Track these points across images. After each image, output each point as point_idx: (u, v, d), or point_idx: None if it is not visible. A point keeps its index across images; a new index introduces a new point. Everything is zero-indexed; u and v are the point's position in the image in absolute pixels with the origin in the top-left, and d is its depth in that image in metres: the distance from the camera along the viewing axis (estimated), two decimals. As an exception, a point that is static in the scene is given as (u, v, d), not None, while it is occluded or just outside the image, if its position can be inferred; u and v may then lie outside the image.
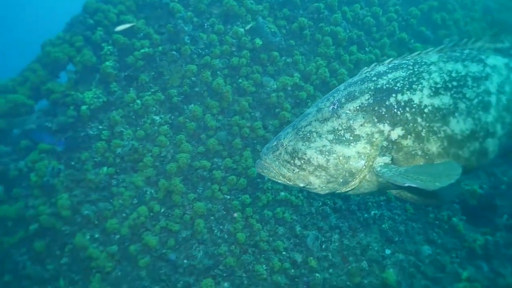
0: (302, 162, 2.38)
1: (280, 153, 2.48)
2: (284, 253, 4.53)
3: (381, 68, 2.42)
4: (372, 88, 2.32)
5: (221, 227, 4.74)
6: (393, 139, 2.24)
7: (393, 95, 2.25)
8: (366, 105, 2.29)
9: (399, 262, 4.64)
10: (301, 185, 2.44)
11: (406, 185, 2.05)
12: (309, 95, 5.40)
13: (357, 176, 2.32)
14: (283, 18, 5.77)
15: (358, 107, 2.31)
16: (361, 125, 2.27)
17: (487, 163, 2.34)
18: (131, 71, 5.20)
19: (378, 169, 2.24)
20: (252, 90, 5.30)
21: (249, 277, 4.38)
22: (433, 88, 2.22)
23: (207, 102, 5.18)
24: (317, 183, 2.39)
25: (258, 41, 5.45)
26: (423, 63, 2.33)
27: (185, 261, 4.51)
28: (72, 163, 4.85)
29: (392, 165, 2.24)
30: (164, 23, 5.47)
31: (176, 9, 5.39)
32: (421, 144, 2.22)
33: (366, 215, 4.99)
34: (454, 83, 2.23)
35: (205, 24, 5.52)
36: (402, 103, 2.22)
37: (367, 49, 6.08)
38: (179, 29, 5.32)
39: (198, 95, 5.25)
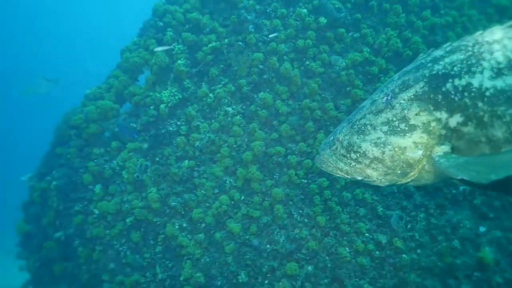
0: (358, 155, 2.38)
1: (337, 148, 2.49)
2: (367, 234, 4.41)
3: (437, 52, 2.26)
4: (427, 75, 2.19)
5: (300, 211, 4.76)
6: (452, 127, 2.11)
7: (450, 80, 2.10)
8: (420, 93, 2.19)
9: (496, 239, 4.25)
10: (359, 178, 2.44)
11: (459, 177, 1.98)
12: (381, 69, 5.13)
13: (415, 167, 2.25)
14: (347, -9, 5.53)
15: (412, 96, 2.21)
16: (416, 114, 2.19)
17: None
18: (202, 66, 5.39)
19: (436, 159, 2.15)
20: (320, 71, 5.19)
21: (333, 260, 4.35)
22: (495, 69, 2.01)
23: (276, 88, 5.19)
24: (375, 175, 2.38)
25: (323, 20, 5.30)
26: (484, 43, 2.11)
27: (268, 246, 4.62)
28: (157, 159, 5.20)
29: (452, 155, 2.12)
30: (228, 15, 5.55)
31: (238, -1, 5.46)
32: (483, 131, 2.06)
33: (454, 191, 4.64)
34: None
35: (268, 10, 5.50)
36: (460, 88, 2.07)
37: (442, 11, 5.58)
38: (242, 19, 5.37)
39: (267, 82, 5.28)
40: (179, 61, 5.32)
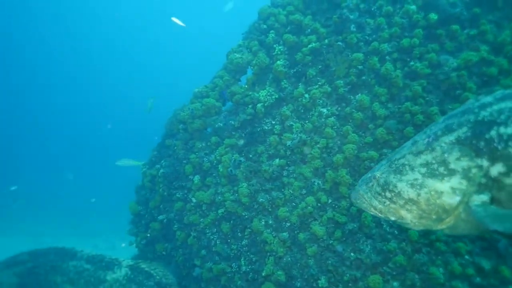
0: (393, 194, 2.35)
1: (373, 185, 2.48)
2: (466, 257, 3.86)
3: (487, 99, 2.17)
4: (472, 120, 2.12)
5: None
6: (493, 176, 2.04)
7: (495, 127, 2.04)
8: (463, 138, 2.13)
9: None
10: (393, 218, 2.40)
11: (494, 229, 1.92)
12: (502, 70, 4.45)
13: (451, 214, 2.17)
14: (466, -16, 4.95)
15: (454, 140, 2.16)
16: (457, 159, 2.14)
17: None
18: (300, 67, 5.42)
19: (473, 207, 2.07)
20: (426, 72, 4.74)
21: (423, 279, 3.91)
22: None
23: (375, 90, 4.92)
24: (409, 217, 2.33)
25: (433, 16, 4.84)
26: None
27: (352, 254, 4.39)
28: (250, 155, 5.40)
29: (492, 206, 2.04)
30: (330, 15, 5.48)
31: (341, -1, 5.34)
32: None
33: None
34: None
35: (372, 8, 5.26)
36: (505, 137, 2.00)
37: None
38: (344, 18, 5.24)
39: (366, 83, 5.04)
40: (278, 62, 5.44)
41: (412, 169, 2.30)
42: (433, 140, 2.26)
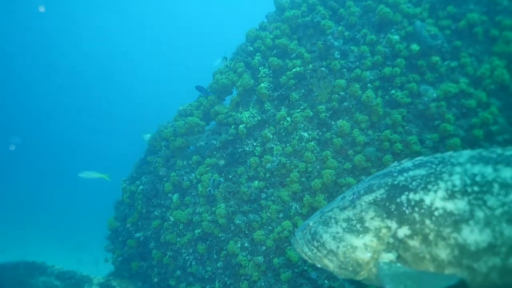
0: (319, 244, 2.54)
1: (306, 233, 2.67)
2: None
3: (407, 164, 2.35)
4: (389, 183, 2.29)
5: (367, 250, 4.37)
6: (400, 238, 2.18)
7: (406, 193, 2.19)
8: (379, 199, 2.29)
9: None
10: (318, 265, 2.56)
11: (388, 287, 2.08)
12: (480, 103, 4.50)
13: (364, 268, 2.33)
14: (447, 17, 5.03)
15: (372, 200, 2.33)
16: (371, 218, 2.30)
17: None
18: (283, 90, 5.45)
19: (380, 264, 2.23)
20: (406, 101, 4.78)
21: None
22: (448, 191, 2.07)
23: (356, 116, 4.94)
24: (331, 266, 2.49)
25: (415, 47, 4.91)
26: (448, 163, 2.18)
27: (326, 281, 4.33)
28: (230, 176, 5.37)
29: (397, 264, 2.19)
30: (315, 41, 5.55)
31: (327, 25, 5.41)
32: (428, 248, 2.10)
33: None
34: (475, 188, 2.02)
35: (357, 36, 5.33)
36: (412, 203, 2.15)
37: None
38: (328, 45, 5.30)
39: (347, 110, 5.07)
40: (262, 84, 5.48)
41: (336, 222, 2.48)
42: (356, 198, 2.43)
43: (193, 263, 5.27)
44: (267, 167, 5.09)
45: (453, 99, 4.67)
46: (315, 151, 5.00)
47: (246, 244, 4.93)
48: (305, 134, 5.14)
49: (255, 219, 4.93)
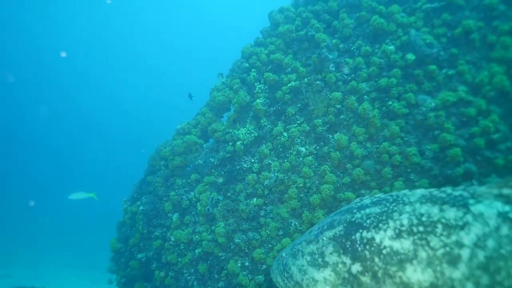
0: (288, 275, 2.66)
1: (279, 263, 2.80)
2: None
3: (366, 201, 2.44)
4: (348, 220, 2.38)
5: (368, 267, 4.24)
6: (353, 273, 2.28)
7: (360, 230, 2.27)
8: (338, 235, 2.39)
9: None
10: None
11: None
12: (480, 111, 4.37)
13: None
14: (443, 25, 4.94)
15: (332, 236, 2.42)
16: (330, 253, 2.40)
17: None
18: (280, 105, 5.40)
19: None
20: (404, 112, 4.68)
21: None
22: (396, 230, 2.14)
23: (353, 129, 4.86)
24: None
25: (411, 56, 4.82)
26: (400, 202, 2.25)
27: (327, 300, 4.21)
28: (229, 194, 5.31)
29: None
30: (310, 54, 5.51)
31: (321, 39, 5.37)
32: (378, 285, 2.19)
33: None
34: (420, 228, 2.09)
35: (352, 48, 5.27)
36: (365, 240, 2.23)
37: None
38: (323, 58, 5.25)
39: (344, 123, 4.98)
40: (258, 100, 5.44)
41: (302, 255, 2.60)
42: (319, 233, 2.52)
43: (194, 284, 5.20)
44: (265, 184, 5.02)
45: (452, 107, 4.56)
46: (313, 166, 4.92)
47: (247, 263, 4.85)
48: (303, 149, 5.06)
49: (255, 237, 4.85)
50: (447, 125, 4.45)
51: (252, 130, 5.42)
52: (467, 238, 1.99)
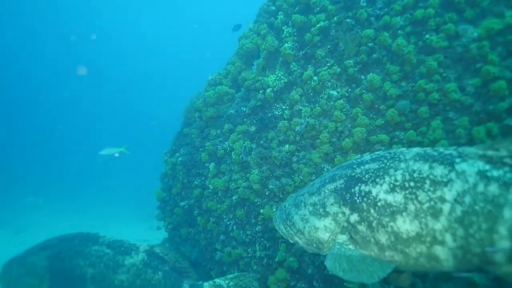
0: (291, 223, 2.93)
1: (282, 213, 3.08)
2: None
3: (366, 157, 2.67)
4: (348, 175, 2.63)
5: (403, 208, 4.20)
6: (352, 222, 2.52)
7: (359, 184, 2.52)
8: (339, 188, 2.64)
9: None
10: (291, 241, 2.98)
11: (326, 263, 2.49)
12: (530, 38, 3.94)
13: (325, 245, 2.69)
14: None
15: (333, 189, 2.67)
16: (331, 204, 2.65)
17: (446, 270, 2.30)
18: (309, 48, 5.20)
19: (335, 244, 2.60)
20: (443, 45, 4.32)
21: None
22: (391, 185, 2.36)
23: (387, 68, 4.59)
24: (300, 243, 2.91)
25: (450, -18, 4.35)
26: (397, 159, 2.45)
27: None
28: (262, 142, 5.35)
29: (349, 246, 2.54)
30: (340, -10, 5.15)
31: (351, -29, 4.97)
32: (372, 233, 2.42)
33: None
34: (412, 184, 2.30)
35: (385, -21, 4.84)
36: (363, 193, 2.48)
37: None
38: (353, -7, 4.90)
39: (377, 62, 4.72)
40: (286, 44, 5.26)
41: (305, 206, 2.86)
42: (321, 186, 2.78)
43: (234, 228, 5.45)
44: (296, 130, 4.98)
45: (498, 36, 4.13)
46: (345, 109, 4.78)
47: (281, 208, 4.97)
48: (334, 92, 4.91)
49: (288, 183, 4.92)
50: (491, 56, 4.07)
51: (282, 76, 5.30)
52: (449, 194, 2.20)
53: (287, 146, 5.07)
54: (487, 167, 2.17)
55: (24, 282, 4.06)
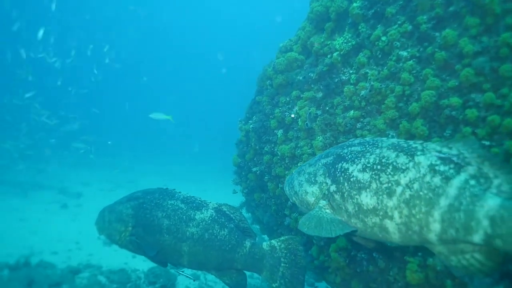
0: (291, 186, 3.59)
1: (290, 177, 3.76)
2: None
3: (355, 141, 3.19)
4: (337, 153, 3.17)
5: (474, 180, 3.76)
6: (331, 191, 3.09)
7: (341, 161, 3.05)
8: (328, 163, 3.20)
9: None
10: (291, 200, 3.67)
11: (299, 223, 3.16)
12: None
13: (311, 207, 3.28)
14: None
15: (324, 163, 3.25)
16: (320, 175, 3.23)
17: (394, 242, 2.82)
18: (379, 6, 4.81)
19: (316, 206, 3.20)
20: (536, -11, 3.62)
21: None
22: (363, 165, 2.87)
23: (465, 21, 4.04)
24: (297, 203, 3.57)
25: None
26: (376, 146, 2.95)
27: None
28: (327, 108, 5.22)
29: (327, 210, 3.11)
30: None
31: None
32: (343, 202, 2.97)
33: None
34: (379, 167, 2.79)
35: None
36: (342, 169, 3.01)
37: None
38: None
39: (454, 15, 4.17)
40: (354, 4, 4.95)
41: (303, 174, 3.44)
42: (318, 160, 3.37)
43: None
44: (361, 95, 4.74)
45: None
46: (414, 71, 4.36)
47: (343, 176, 4.85)
48: (404, 53, 4.50)
49: (351, 150, 4.75)
50: None
51: (350, 39, 5.04)
52: (404, 179, 2.65)
53: (352, 112, 4.87)
54: (438, 162, 2.58)
55: (113, 227, 4.74)
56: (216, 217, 4.42)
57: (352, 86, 4.90)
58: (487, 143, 3.72)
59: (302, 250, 4.24)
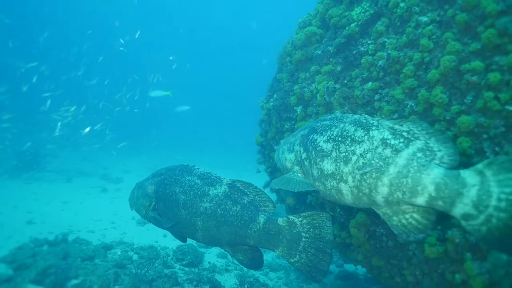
0: (277, 154, 4.19)
1: (279, 146, 4.25)
2: None
3: (328, 116, 3.56)
4: (312, 126, 3.62)
5: (497, 149, 3.54)
6: (302, 158, 3.58)
7: (313, 133, 3.51)
8: (303, 134, 3.67)
9: None
10: (278, 165, 4.24)
11: (271, 182, 4.04)
12: None
13: (288, 171, 3.80)
14: None
15: (302, 134, 3.70)
16: (297, 145, 3.72)
17: (346, 203, 3.33)
18: (398, -29, 4.58)
19: (290, 171, 3.78)
20: None
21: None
22: (328, 137, 3.33)
23: (489, -21, 3.75)
24: (280, 168, 4.12)
25: None
26: (341, 120, 3.37)
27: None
28: (345, 81, 5.08)
29: (299, 174, 3.63)
30: None
31: None
32: (310, 168, 3.47)
33: None
34: (340, 138, 3.24)
35: None
36: (312, 140, 3.49)
37: None
38: None
39: (477, -26, 3.88)
40: (371, -29, 4.75)
41: (287, 143, 3.95)
42: (298, 132, 3.83)
43: (319, 171, 5.42)
44: (379, 65, 4.57)
45: None
46: (434, 37, 4.14)
47: (361, 149, 4.72)
48: (423, 18, 4.28)
49: (369, 123, 4.61)
50: None
51: (368, 8, 4.85)
52: (359, 149, 3.07)
53: (370, 83, 4.71)
54: (390, 136, 2.98)
55: (140, 202, 4.94)
56: (229, 193, 4.44)
57: (370, 57, 4.73)
58: (510, 108, 3.48)
59: (330, 225, 4.14)
